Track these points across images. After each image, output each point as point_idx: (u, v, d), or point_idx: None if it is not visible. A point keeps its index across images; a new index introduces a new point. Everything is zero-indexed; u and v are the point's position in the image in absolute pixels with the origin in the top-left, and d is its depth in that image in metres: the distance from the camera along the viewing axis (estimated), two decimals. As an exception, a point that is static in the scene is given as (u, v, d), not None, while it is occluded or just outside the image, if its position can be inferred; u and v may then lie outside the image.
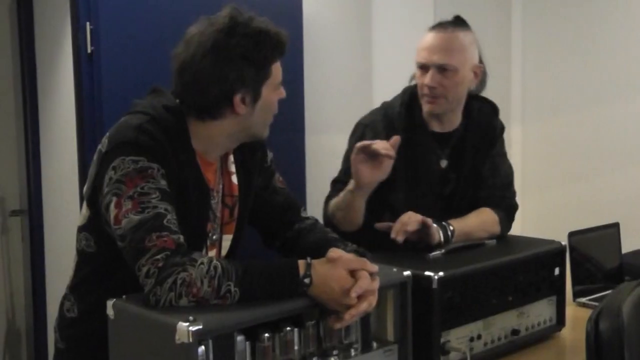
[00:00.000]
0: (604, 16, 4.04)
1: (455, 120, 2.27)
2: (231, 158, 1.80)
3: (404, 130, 2.16)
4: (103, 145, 1.63)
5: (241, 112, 1.67)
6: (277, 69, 1.70)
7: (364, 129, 2.25)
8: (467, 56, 2.18)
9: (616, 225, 2.61)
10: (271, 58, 1.67)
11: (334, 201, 2.18)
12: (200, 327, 1.32)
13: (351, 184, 2.08)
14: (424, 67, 2.18)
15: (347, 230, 2.10)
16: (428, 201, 2.21)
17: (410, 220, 2.01)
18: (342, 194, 2.13)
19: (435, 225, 2.05)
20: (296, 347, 1.51)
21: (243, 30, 1.63)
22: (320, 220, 1.95)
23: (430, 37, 2.18)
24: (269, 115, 1.74)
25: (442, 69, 2.14)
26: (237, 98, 1.65)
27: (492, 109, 2.34)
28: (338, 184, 2.22)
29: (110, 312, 1.49)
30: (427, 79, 2.15)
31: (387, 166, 2.03)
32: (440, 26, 2.19)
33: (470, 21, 2.24)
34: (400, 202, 2.18)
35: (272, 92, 1.70)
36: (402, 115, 2.22)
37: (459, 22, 2.21)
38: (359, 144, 2.02)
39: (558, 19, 4.23)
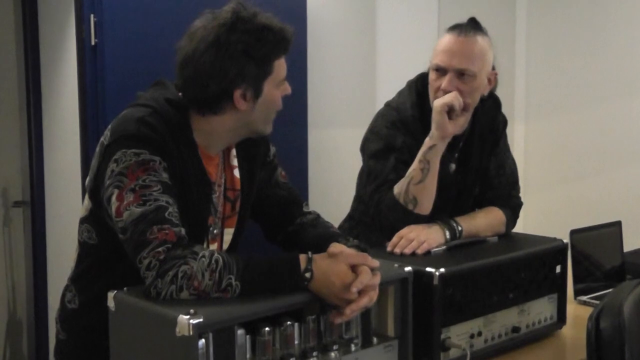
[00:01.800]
0: (608, 16, 4.03)
1: (464, 125, 2.20)
2: (233, 152, 1.80)
3: (420, 135, 2.11)
4: (105, 137, 1.63)
5: (242, 108, 1.66)
6: (280, 66, 1.68)
7: (387, 132, 2.17)
8: (485, 62, 2.10)
9: (618, 224, 2.61)
10: (274, 55, 1.66)
11: (398, 185, 2.08)
12: (201, 320, 1.32)
13: (431, 140, 2.05)
14: (441, 70, 2.09)
15: (422, 212, 2.05)
16: (439, 204, 2.20)
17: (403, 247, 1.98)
18: (412, 167, 2.06)
19: (439, 225, 2.05)
20: (296, 342, 1.52)
21: (245, 26, 1.62)
22: (327, 218, 1.93)
23: (450, 40, 2.09)
24: (270, 112, 1.72)
25: (460, 73, 2.07)
26: (238, 94, 1.64)
27: (494, 103, 2.29)
28: (384, 186, 2.11)
29: (111, 303, 1.49)
30: (445, 83, 2.07)
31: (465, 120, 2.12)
32: (459, 29, 2.10)
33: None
34: None
35: (275, 89, 1.69)
36: (417, 119, 2.16)
37: (476, 26, 2.13)
38: (440, 105, 2.04)
39: (562, 18, 4.22)
